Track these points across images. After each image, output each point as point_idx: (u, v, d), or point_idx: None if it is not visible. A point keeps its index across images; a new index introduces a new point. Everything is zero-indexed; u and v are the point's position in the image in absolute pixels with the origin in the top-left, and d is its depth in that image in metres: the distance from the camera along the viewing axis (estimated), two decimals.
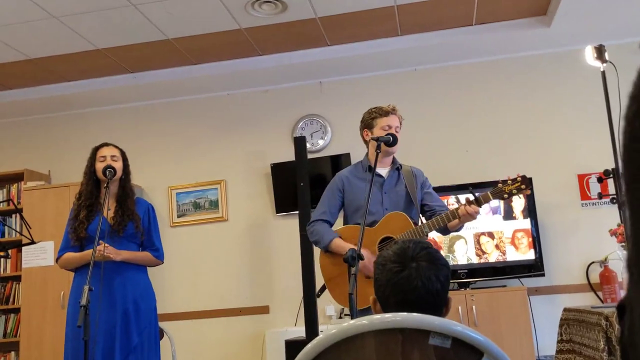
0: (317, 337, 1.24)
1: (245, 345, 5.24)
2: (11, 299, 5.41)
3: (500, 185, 2.90)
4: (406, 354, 1.21)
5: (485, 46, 5.06)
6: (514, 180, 2.88)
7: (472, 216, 2.87)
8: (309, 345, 1.25)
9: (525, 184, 2.86)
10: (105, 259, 3.12)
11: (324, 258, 3.18)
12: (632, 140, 0.48)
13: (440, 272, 1.45)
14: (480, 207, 2.90)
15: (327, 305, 5.01)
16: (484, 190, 4.70)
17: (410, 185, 3.09)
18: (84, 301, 2.72)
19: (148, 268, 3.50)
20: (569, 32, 4.80)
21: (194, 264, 5.45)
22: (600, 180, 4.36)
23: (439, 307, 1.45)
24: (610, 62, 3.17)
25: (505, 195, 2.88)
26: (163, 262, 3.53)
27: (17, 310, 5.32)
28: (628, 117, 0.50)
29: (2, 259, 5.18)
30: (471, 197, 2.91)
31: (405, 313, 1.24)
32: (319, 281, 4.61)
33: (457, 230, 3.11)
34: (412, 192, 3.08)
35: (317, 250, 4.66)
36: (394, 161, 3.19)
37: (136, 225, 3.35)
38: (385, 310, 1.45)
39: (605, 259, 4.66)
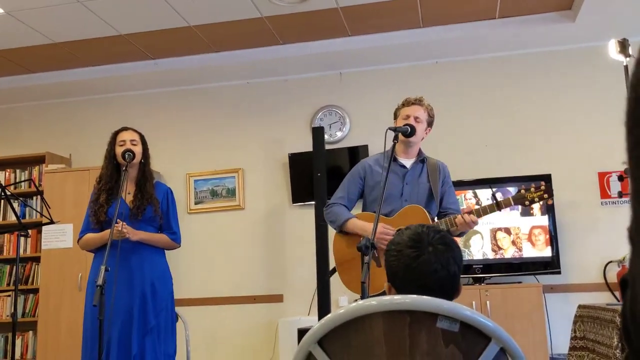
0: (326, 317, 1.25)
1: (259, 333, 5.27)
2: (30, 280, 5.51)
3: (523, 191, 2.93)
4: (414, 336, 1.21)
5: (508, 40, 5.01)
6: (537, 188, 2.92)
7: (469, 226, 2.90)
8: (317, 325, 1.25)
9: (548, 194, 2.90)
10: (122, 236, 3.17)
11: (338, 241, 3.15)
12: (636, 106, 0.48)
13: (456, 255, 1.47)
14: (500, 210, 2.92)
15: (340, 296, 5.02)
16: (501, 185, 4.72)
17: (433, 179, 3.07)
18: (100, 281, 2.77)
19: (165, 253, 3.53)
20: (594, 27, 4.72)
21: (210, 251, 5.49)
22: (621, 178, 4.28)
23: (455, 290, 1.47)
24: (634, 57, 3.11)
25: (527, 202, 2.91)
26: (180, 246, 3.55)
27: (35, 291, 5.41)
28: (633, 84, 0.49)
29: (22, 239, 5.26)
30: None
31: (414, 295, 1.24)
32: None
33: (459, 236, 3.18)
34: (434, 185, 3.06)
35: (332, 241, 4.70)
36: (419, 153, 3.17)
37: (155, 209, 3.38)
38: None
39: (624, 259, 4.60)
